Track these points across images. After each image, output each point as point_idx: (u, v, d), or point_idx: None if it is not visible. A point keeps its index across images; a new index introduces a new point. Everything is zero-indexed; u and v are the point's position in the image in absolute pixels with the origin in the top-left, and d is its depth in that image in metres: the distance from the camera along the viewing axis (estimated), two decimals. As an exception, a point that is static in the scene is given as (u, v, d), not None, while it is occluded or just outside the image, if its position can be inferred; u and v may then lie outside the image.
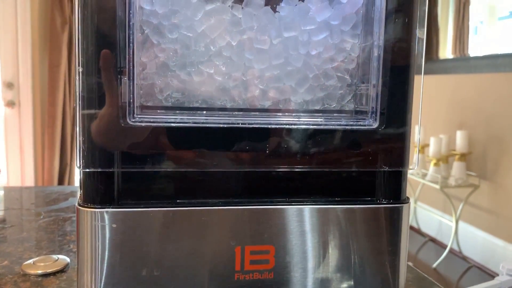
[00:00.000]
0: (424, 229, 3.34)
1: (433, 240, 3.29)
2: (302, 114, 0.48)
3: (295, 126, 0.45)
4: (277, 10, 0.48)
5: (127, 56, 0.42)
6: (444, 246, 3.02)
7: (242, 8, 0.47)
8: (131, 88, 0.42)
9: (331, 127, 0.45)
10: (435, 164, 2.96)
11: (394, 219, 0.47)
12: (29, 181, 3.42)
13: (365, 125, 0.46)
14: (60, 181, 3.44)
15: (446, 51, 3.52)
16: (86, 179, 0.43)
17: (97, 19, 0.41)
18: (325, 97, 0.50)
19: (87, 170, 0.42)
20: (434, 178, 2.94)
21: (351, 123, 0.46)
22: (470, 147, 2.89)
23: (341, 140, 0.46)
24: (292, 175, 0.47)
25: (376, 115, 0.46)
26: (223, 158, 0.44)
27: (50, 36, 3.40)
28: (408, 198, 0.49)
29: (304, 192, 0.47)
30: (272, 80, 0.48)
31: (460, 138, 2.84)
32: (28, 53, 3.37)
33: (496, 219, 2.82)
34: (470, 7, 3.61)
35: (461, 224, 2.96)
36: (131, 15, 0.42)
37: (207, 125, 0.44)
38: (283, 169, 0.45)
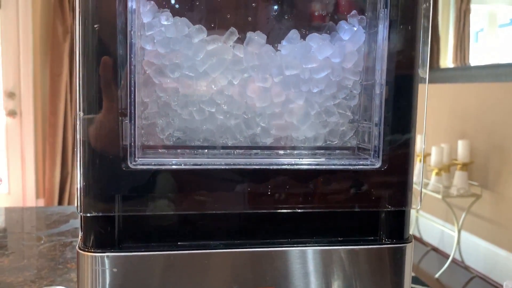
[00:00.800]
0: (426, 238, 3.33)
1: (435, 249, 3.27)
2: (304, 153, 0.48)
3: (297, 167, 0.44)
4: (278, 48, 0.48)
5: (128, 99, 0.42)
6: (446, 256, 3.01)
7: (244, 47, 0.47)
8: (132, 131, 0.42)
9: (333, 167, 0.45)
10: (437, 174, 2.95)
11: (397, 259, 0.47)
12: (30, 191, 3.42)
13: (367, 165, 0.46)
14: (61, 190, 3.44)
15: (447, 60, 3.52)
16: (86, 222, 0.43)
17: (98, 62, 0.41)
18: (327, 134, 0.50)
19: (88, 214, 0.41)
20: (436, 188, 2.93)
21: (354, 162, 0.46)
22: (472, 156, 2.88)
23: (343, 180, 0.45)
24: (294, 215, 0.46)
25: (378, 155, 0.46)
26: (224, 200, 0.44)
27: (51, 46, 3.41)
28: (411, 236, 0.49)
29: (307, 233, 0.47)
30: (274, 118, 0.48)
31: (461, 148, 2.84)
32: (30, 63, 3.38)
33: (498, 229, 2.81)
34: (471, 15, 3.62)
35: (464, 233, 2.94)
36: (132, 57, 0.42)
37: (208, 166, 0.43)
38: (285, 210, 0.45)
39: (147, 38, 0.45)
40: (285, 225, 0.47)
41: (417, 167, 2.53)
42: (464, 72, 3.21)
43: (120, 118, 0.42)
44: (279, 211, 0.45)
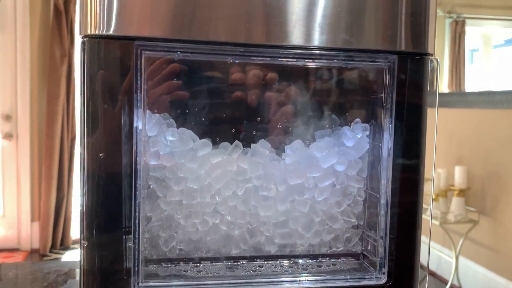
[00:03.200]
0: (424, 262, 3.31)
1: (433, 274, 3.26)
2: (309, 262, 0.47)
3: (302, 286, 0.44)
4: (282, 157, 0.48)
5: (132, 219, 0.42)
6: (444, 281, 3.00)
7: (248, 157, 0.47)
8: (136, 254, 0.41)
9: (338, 284, 0.45)
10: (434, 200, 2.95)
11: None
12: (25, 214, 3.39)
13: (372, 279, 0.45)
14: (57, 214, 3.40)
15: (442, 83, 3.55)
16: None
17: (103, 186, 0.41)
18: (332, 240, 0.49)
19: None
20: (433, 214, 2.93)
21: (359, 277, 0.45)
22: (469, 182, 2.88)
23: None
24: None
25: (384, 268, 0.45)
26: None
27: (49, 69, 3.41)
28: None
29: None
30: (278, 226, 0.48)
31: (458, 174, 2.84)
32: (27, 86, 3.37)
33: (497, 256, 2.81)
34: (466, 36, 3.66)
35: (462, 259, 2.94)
36: (137, 176, 0.42)
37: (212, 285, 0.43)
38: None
39: (152, 153, 0.45)
40: None
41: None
42: (460, 97, 3.24)
43: (124, 236, 0.42)
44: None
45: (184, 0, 0.39)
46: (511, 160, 2.68)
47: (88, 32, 0.39)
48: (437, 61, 0.44)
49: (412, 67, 0.44)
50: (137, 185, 0.42)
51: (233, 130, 0.47)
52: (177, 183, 0.45)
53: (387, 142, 0.46)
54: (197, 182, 0.46)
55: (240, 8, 0.40)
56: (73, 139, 3.53)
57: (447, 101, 3.27)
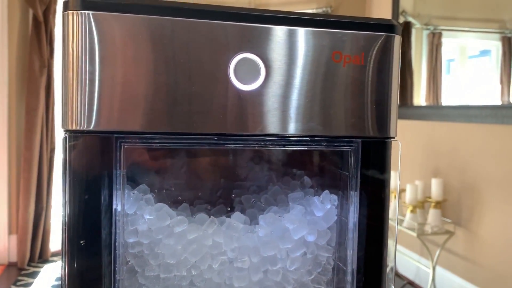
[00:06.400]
0: (402, 271, 3.39)
1: (411, 283, 3.34)
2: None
3: None
4: (255, 229, 0.50)
5: (112, 296, 0.44)
6: (422, 291, 3.07)
7: (223, 231, 0.49)
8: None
9: None
10: (412, 211, 3.02)
11: None
12: (3, 227, 3.33)
13: None
14: (35, 226, 3.36)
15: (420, 97, 3.63)
16: None
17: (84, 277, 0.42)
18: (303, 306, 0.52)
19: None
20: (410, 225, 2.99)
21: None
22: (445, 194, 2.97)
23: None
24: None
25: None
26: None
27: (28, 80, 3.36)
28: None
29: None
30: (252, 295, 0.50)
31: (435, 186, 2.92)
32: (5, 97, 3.32)
33: (472, 266, 2.89)
34: (442, 48, 3.75)
35: (439, 269, 3.02)
36: (117, 259, 0.44)
37: None
38: None
39: (131, 231, 0.47)
40: None
41: (392, 204, 2.59)
42: (437, 111, 3.32)
43: (104, 313, 0.44)
44: None
45: (162, 96, 0.42)
46: (486, 173, 2.77)
47: (70, 128, 0.41)
48: (399, 144, 0.48)
49: (376, 150, 0.47)
50: (117, 264, 0.44)
51: (209, 195, 0.49)
52: (155, 258, 0.48)
53: (353, 216, 0.49)
54: (174, 257, 0.48)
55: (216, 102, 0.43)
56: (52, 151, 3.49)
57: (424, 114, 3.35)
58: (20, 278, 2.78)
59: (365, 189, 0.48)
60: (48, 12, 3.34)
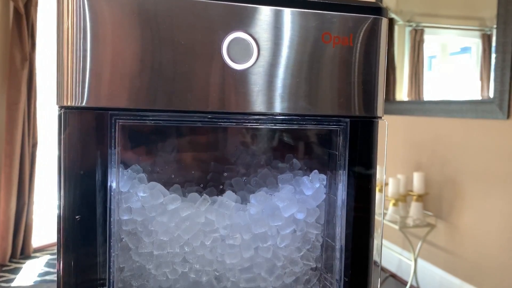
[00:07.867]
0: (385, 264, 3.45)
1: (393, 275, 3.39)
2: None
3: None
4: (247, 208, 0.52)
5: (107, 270, 0.44)
6: (404, 282, 3.13)
7: (215, 209, 0.50)
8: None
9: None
10: (394, 204, 3.07)
11: None
12: (-16, 224, 3.27)
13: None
14: (17, 222, 3.31)
15: (402, 91, 3.69)
16: None
17: (80, 251, 0.43)
18: (293, 282, 0.54)
19: None
20: (393, 218, 3.05)
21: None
22: (427, 187, 3.03)
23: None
24: None
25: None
26: None
27: (9, 73, 3.31)
28: None
29: None
30: (243, 272, 0.52)
31: (416, 180, 2.97)
32: (-15, 91, 3.26)
33: (453, 258, 2.96)
34: (424, 44, 3.82)
35: (420, 261, 3.08)
36: (112, 233, 0.44)
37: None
38: None
39: (125, 209, 0.47)
40: None
41: (377, 197, 2.63)
42: (419, 106, 3.38)
43: (98, 289, 0.44)
44: None
45: (156, 73, 0.43)
46: (466, 167, 2.84)
47: (64, 104, 0.41)
48: (386, 123, 0.49)
49: (364, 129, 0.49)
50: (112, 240, 0.45)
51: (200, 174, 0.50)
52: (148, 235, 0.49)
53: (341, 193, 0.51)
54: (167, 234, 0.49)
55: (209, 81, 0.44)
56: (34, 146, 3.44)
57: (407, 109, 3.41)
58: (1, 274, 2.74)
59: (353, 167, 0.50)
60: (30, 5, 3.29)
